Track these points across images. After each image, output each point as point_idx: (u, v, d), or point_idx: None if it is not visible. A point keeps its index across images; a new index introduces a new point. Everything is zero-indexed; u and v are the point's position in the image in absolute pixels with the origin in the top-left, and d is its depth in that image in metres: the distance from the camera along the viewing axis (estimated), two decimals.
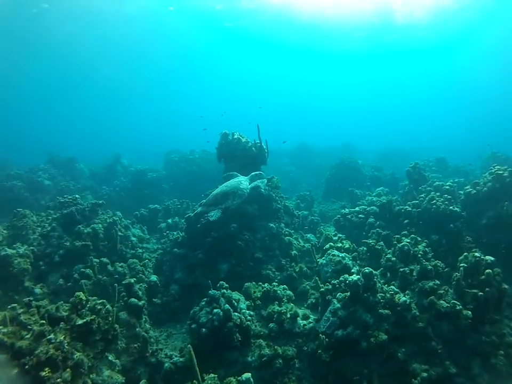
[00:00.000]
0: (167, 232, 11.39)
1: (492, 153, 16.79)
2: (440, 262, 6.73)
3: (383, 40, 43.18)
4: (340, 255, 7.30)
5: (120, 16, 34.33)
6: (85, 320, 5.53)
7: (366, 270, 5.92)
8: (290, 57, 55.04)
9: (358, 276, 5.94)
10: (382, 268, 7.09)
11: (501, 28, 38.23)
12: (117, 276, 8.50)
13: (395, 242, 7.26)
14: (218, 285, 7.13)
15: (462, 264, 6.30)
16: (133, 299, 7.06)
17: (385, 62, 57.20)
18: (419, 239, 7.37)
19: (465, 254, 6.60)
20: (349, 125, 73.44)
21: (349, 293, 6.02)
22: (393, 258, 6.84)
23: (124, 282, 7.51)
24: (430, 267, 6.30)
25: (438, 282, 6.17)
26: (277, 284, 7.45)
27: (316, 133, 56.47)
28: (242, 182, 8.10)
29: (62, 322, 5.45)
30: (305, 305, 7.67)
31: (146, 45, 45.61)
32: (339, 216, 10.35)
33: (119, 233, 10.32)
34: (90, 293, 7.46)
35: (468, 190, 9.14)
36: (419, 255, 6.57)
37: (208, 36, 44.51)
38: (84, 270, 8.25)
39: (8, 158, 26.52)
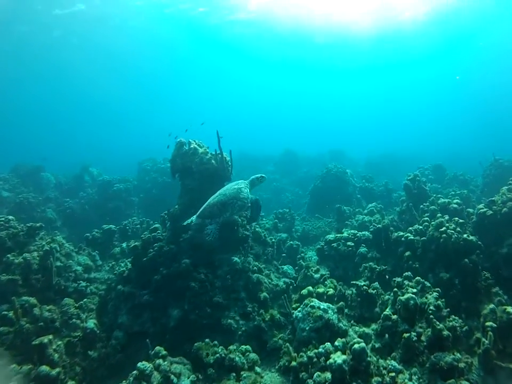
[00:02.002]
0: (113, 263, 9.46)
1: (495, 160, 15.02)
2: (457, 319, 4.84)
3: (374, 48, 41.34)
4: (321, 307, 5.37)
5: (97, 17, 32.02)
6: None
7: (357, 346, 3.99)
8: (276, 67, 52.74)
9: (344, 357, 4.00)
10: (378, 326, 5.19)
11: (496, 35, 36.52)
12: (42, 324, 6.63)
13: (395, 288, 5.36)
14: (153, 352, 5.21)
15: (488, 324, 4.44)
16: (43, 368, 5.17)
17: (374, 72, 55.35)
18: (427, 284, 5.45)
19: (491, 307, 4.76)
20: (338, 132, 71.20)
21: (330, 376, 4.11)
22: (394, 317, 4.93)
23: (34, 343, 5.63)
24: (446, 333, 4.40)
25: (459, 357, 4.27)
26: (236, 347, 5.51)
27: (304, 141, 54.31)
28: (242, 189, 6.44)
29: None
30: (276, 367, 5.75)
31: (127, 49, 43.06)
32: (322, 243, 8.40)
33: (58, 263, 8.49)
34: (10, 346, 5.86)
35: (482, 210, 7.27)
36: (429, 312, 4.68)
37: (190, 44, 42.35)
38: (6, 312, 6.41)
39: None
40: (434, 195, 9.01)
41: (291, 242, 9.41)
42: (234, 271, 6.96)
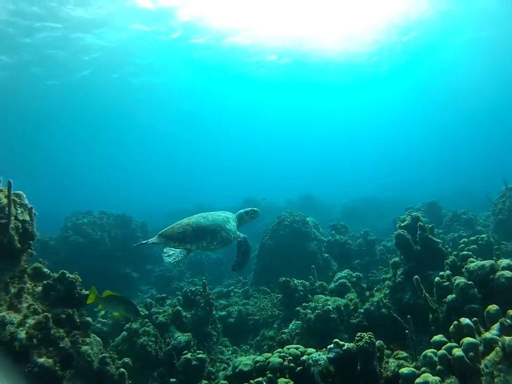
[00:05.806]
0: None
1: (507, 188, 11.20)
2: None
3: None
4: None
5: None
6: None
7: None
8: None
9: None
10: None
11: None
12: None
13: None
14: None
15: None
16: None
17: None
18: None
19: None
20: (312, 178, 65.34)
21: None
22: None
23: None
24: None
25: None
26: None
27: (272, 189, 49.34)
28: (229, 219, 4.70)
29: None
30: None
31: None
32: (230, 374, 3.90)
33: None
34: None
35: None
36: None
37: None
38: None
39: None
40: (454, 252, 4.83)
41: (189, 355, 4.85)
42: None
